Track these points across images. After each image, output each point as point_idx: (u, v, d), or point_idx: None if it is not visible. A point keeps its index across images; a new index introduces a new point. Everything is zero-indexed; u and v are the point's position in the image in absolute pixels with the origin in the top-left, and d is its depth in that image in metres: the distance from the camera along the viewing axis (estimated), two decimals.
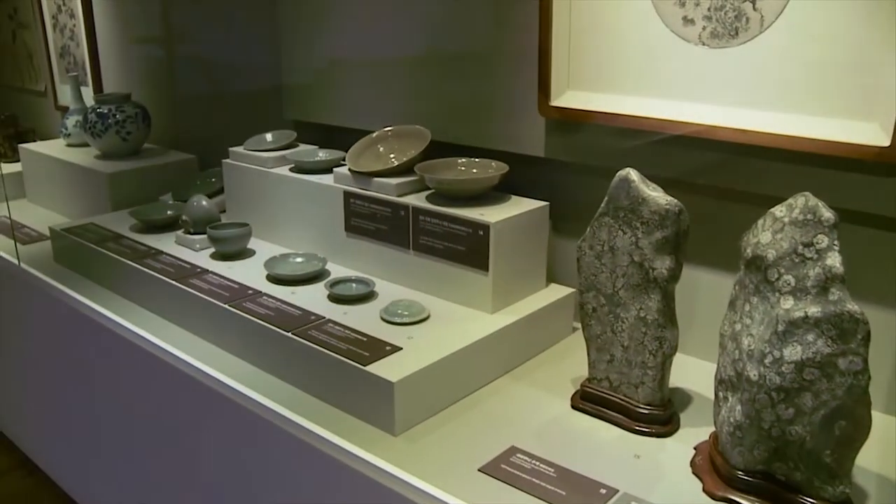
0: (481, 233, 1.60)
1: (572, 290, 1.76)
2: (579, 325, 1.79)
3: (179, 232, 2.05)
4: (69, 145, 2.83)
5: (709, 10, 1.46)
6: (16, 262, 2.22)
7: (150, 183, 2.49)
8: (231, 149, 2.11)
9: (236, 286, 1.77)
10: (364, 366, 1.42)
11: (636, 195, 1.36)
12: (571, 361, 1.65)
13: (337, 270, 1.84)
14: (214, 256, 1.96)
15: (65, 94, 3.25)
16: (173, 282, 1.80)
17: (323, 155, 2.02)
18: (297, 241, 1.97)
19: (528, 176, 1.78)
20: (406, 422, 1.41)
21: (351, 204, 1.82)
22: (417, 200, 1.72)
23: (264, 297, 1.70)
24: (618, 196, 1.39)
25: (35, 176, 2.85)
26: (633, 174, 1.37)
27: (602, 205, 1.41)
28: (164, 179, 2.51)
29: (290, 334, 1.54)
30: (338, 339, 1.51)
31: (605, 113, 1.60)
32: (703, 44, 1.48)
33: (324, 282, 1.76)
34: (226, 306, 1.66)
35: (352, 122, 2.09)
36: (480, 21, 1.78)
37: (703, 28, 1.47)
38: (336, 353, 1.46)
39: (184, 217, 2.01)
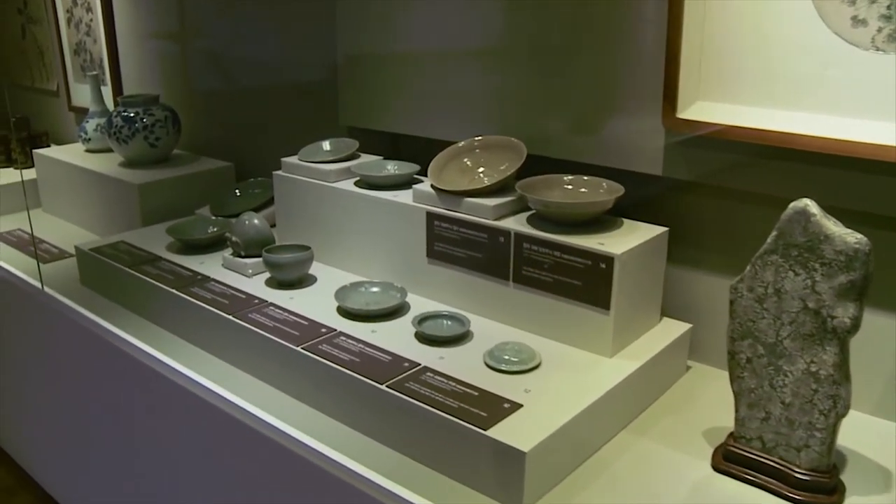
0: (603, 266, 1.33)
1: (688, 325, 1.50)
2: (693, 364, 1.55)
3: (226, 254, 1.77)
4: (89, 151, 2.53)
5: (889, 7, 1.19)
6: (39, 285, 1.92)
7: (183, 194, 2.20)
8: (284, 159, 1.82)
9: (305, 322, 1.49)
10: (484, 430, 1.15)
11: (816, 231, 1.11)
12: (695, 409, 1.40)
13: (417, 303, 1.57)
14: (270, 284, 1.67)
15: (81, 95, 2.94)
16: (230, 317, 1.51)
17: (393, 168, 1.74)
18: (366, 267, 1.69)
19: (637, 196, 1.51)
20: (534, 494, 1.15)
21: (435, 227, 1.54)
22: (518, 225, 1.45)
23: (342, 338, 1.42)
24: (791, 231, 1.13)
25: (51, 184, 2.54)
26: (813, 206, 1.12)
27: (769, 241, 1.15)
28: (199, 190, 2.22)
29: (384, 387, 1.26)
30: (443, 394, 1.24)
31: (747, 128, 1.33)
32: (878, 49, 1.21)
33: (410, 318, 1.49)
34: (299, 349, 1.38)
35: (421, 129, 1.81)
36: (591, 12, 1.50)
37: (879, 30, 1.21)
38: (446, 413, 1.19)
39: (233, 238, 1.72)
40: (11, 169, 2.79)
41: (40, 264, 2.10)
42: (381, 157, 1.82)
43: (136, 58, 2.70)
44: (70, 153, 2.52)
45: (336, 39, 1.92)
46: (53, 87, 3.15)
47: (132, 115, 2.23)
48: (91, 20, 2.77)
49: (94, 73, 2.51)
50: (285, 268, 1.63)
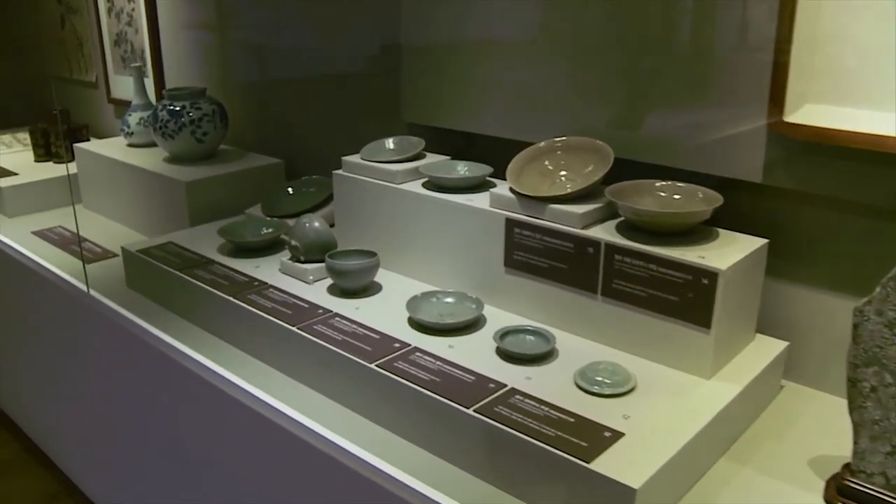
0: (705, 281, 1.22)
1: (785, 343, 1.39)
2: (787, 384, 1.44)
3: (284, 258, 1.67)
4: (131, 145, 2.44)
5: None
6: (84, 287, 1.83)
7: (232, 192, 2.10)
8: (345, 158, 1.72)
9: (376, 336, 1.38)
10: (587, 462, 1.04)
11: None
12: (795, 434, 1.30)
13: (493, 315, 1.46)
14: (333, 291, 1.57)
15: (120, 86, 2.86)
16: (294, 328, 1.41)
17: (464, 169, 1.63)
18: (435, 275, 1.58)
19: (730, 203, 1.39)
20: None
21: (515, 234, 1.43)
22: (608, 234, 1.33)
23: (417, 354, 1.32)
24: None
25: (92, 180, 2.46)
26: None
27: None
28: (248, 188, 2.12)
29: (471, 412, 1.15)
30: (537, 420, 1.13)
31: (862, 134, 1.21)
32: None
33: (488, 332, 1.38)
34: (373, 367, 1.28)
35: (491, 128, 1.70)
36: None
37: None
38: (543, 442, 1.08)
39: (292, 241, 1.62)
40: (52, 163, 2.71)
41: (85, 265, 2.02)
42: (448, 157, 1.71)
43: (178, 49, 2.61)
44: (112, 147, 2.44)
45: (400, 28, 1.81)
46: (92, 78, 3.06)
47: (178, 108, 2.13)
48: (133, 10, 2.68)
49: (138, 64, 2.42)
50: (351, 275, 1.53)
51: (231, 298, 1.54)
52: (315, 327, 1.41)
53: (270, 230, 1.81)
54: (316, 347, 1.37)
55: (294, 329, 1.41)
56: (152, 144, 2.40)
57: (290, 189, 2.02)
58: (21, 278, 2.10)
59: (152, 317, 1.69)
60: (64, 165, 2.68)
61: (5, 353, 2.45)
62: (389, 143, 1.74)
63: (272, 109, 2.36)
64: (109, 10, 2.81)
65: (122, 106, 2.90)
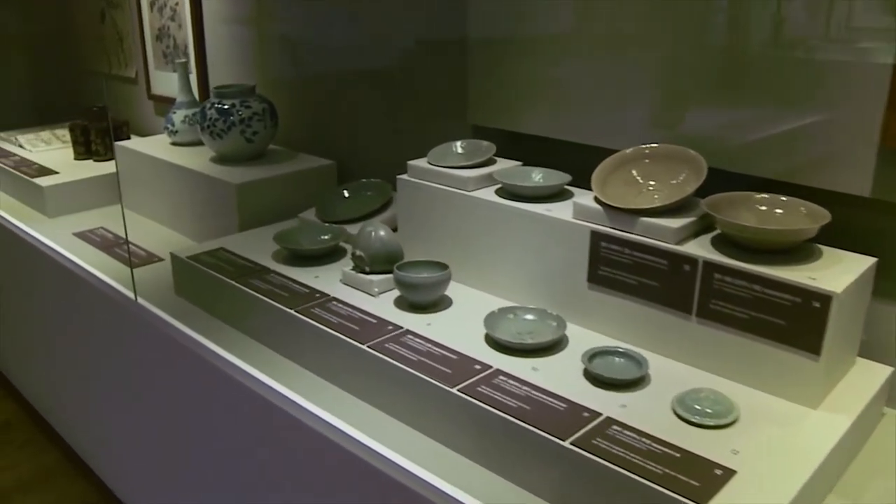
0: (816, 304, 1.13)
1: (890, 369, 1.29)
2: (889, 411, 1.34)
3: (346, 268, 1.59)
4: (175, 144, 2.37)
5: None
6: (131, 294, 1.77)
7: (283, 195, 2.03)
8: (411, 163, 1.64)
9: (454, 356, 1.30)
10: None
11: None
12: None
13: (575, 333, 1.37)
14: (400, 305, 1.49)
15: (161, 82, 2.79)
16: (365, 346, 1.33)
17: (539, 177, 1.54)
18: (510, 289, 1.50)
19: (834, 219, 1.30)
20: None
21: (601, 248, 1.34)
22: (705, 250, 1.24)
23: (501, 377, 1.24)
24: None
25: (134, 179, 2.39)
26: None
27: None
28: (300, 191, 2.04)
29: (568, 444, 1.07)
30: (640, 455, 1.04)
31: None
32: None
33: (572, 352, 1.30)
34: (455, 392, 1.20)
35: (569, 133, 1.61)
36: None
37: None
38: (650, 481, 0.99)
39: (357, 251, 1.54)
40: (92, 161, 2.65)
41: (128, 268, 1.95)
42: (518, 163, 1.63)
43: (223, 44, 2.54)
44: (155, 146, 2.37)
45: (465, 20, 1.72)
46: (132, 74, 3.00)
47: (227, 107, 2.06)
48: (177, 4, 2.61)
49: (183, 60, 2.35)
50: (422, 289, 1.44)
51: (293, 312, 1.46)
52: (387, 346, 1.33)
53: (329, 237, 1.74)
54: (389, 368, 1.29)
55: (364, 348, 1.33)
56: (197, 143, 2.33)
57: (345, 192, 1.94)
58: (64, 282, 2.04)
59: (203, 327, 1.62)
60: (104, 164, 2.62)
61: (47, 358, 2.40)
62: (458, 147, 1.66)
63: (322, 108, 2.28)
64: (152, 5, 2.74)
65: (163, 102, 2.83)
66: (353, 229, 1.78)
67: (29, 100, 3.43)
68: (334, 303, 1.50)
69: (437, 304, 1.48)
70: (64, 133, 2.91)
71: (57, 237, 2.20)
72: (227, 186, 1.96)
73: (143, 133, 2.93)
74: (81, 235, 2.24)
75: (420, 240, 1.62)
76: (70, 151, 2.73)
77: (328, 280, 1.61)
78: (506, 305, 1.44)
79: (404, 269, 1.48)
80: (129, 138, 2.70)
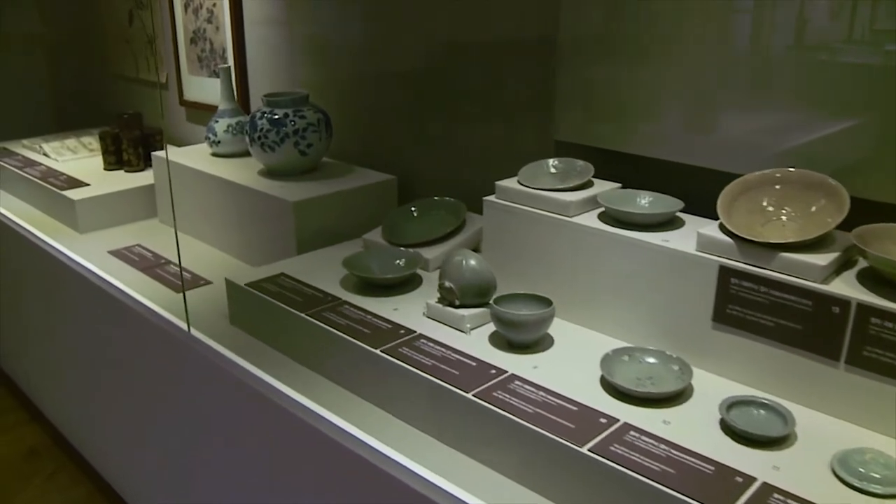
0: None
1: None
2: None
3: (432, 301, 1.42)
4: (216, 155, 2.20)
5: None
6: (183, 325, 1.60)
7: (342, 213, 1.86)
8: (500, 183, 1.47)
9: (573, 407, 1.14)
10: None
11: None
12: None
13: (699, 379, 1.21)
14: (497, 343, 1.33)
15: (195, 88, 2.63)
16: (471, 395, 1.17)
17: (646, 202, 1.38)
18: (619, 326, 1.34)
19: None
20: None
21: (731, 285, 1.18)
22: (856, 290, 1.08)
23: (632, 434, 1.07)
24: None
25: (168, 192, 2.22)
26: None
27: None
28: (359, 209, 1.88)
29: None
30: None
31: None
32: None
33: (701, 401, 1.14)
34: (586, 452, 1.03)
35: (674, 153, 1.45)
36: None
37: None
38: None
39: (446, 283, 1.37)
40: (123, 172, 2.48)
41: (170, 292, 1.79)
42: (617, 185, 1.46)
43: (264, 48, 2.37)
44: (195, 157, 2.20)
45: (558, 21, 1.55)
46: (162, 78, 2.83)
47: (279, 117, 1.89)
48: (214, 5, 2.45)
49: (227, 65, 2.18)
50: (525, 327, 1.28)
51: (378, 352, 1.30)
52: (495, 394, 1.17)
53: (404, 262, 1.57)
54: (500, 421, 1.12)
55: (469, 396, 1.16)
56: (241, 154, 2.17)
57: (413, 210, 1.77)
58: (103, 306, 1.87)
59: (266, 362, 1.46)
60: (136, 175, 2.45)
61: (79, 384, 2.23)
62: (550, 166, 1.49)
63: (378, 117, 2.11)
64: (186, 6, 2.57)
65: (196, 109, 2.67)
66: (428, 253, 1.62)
67: (50, 105, 3.27)
68: (423, 341, 1.33)
69: (539, 342, 1.32)
70: (91, 141, 2.74)
71: (91, 256, 2.04)
72: (282, 204, 1.79)
73: (175, 141, 2.76)
74: (117, 254, 2.07)
75: (511, 269, 1.45)
76: (98, 161, 2.56)
77: (409, 313, 1.44)
78: (617, 345, 1.28)
79: (501, 304, 1.32)
80: (162, 148, 2.53)
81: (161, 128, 2.57)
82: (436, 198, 1.77)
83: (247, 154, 2.18)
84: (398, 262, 1.58)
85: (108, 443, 2.19)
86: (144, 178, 2.40)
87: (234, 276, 1.64)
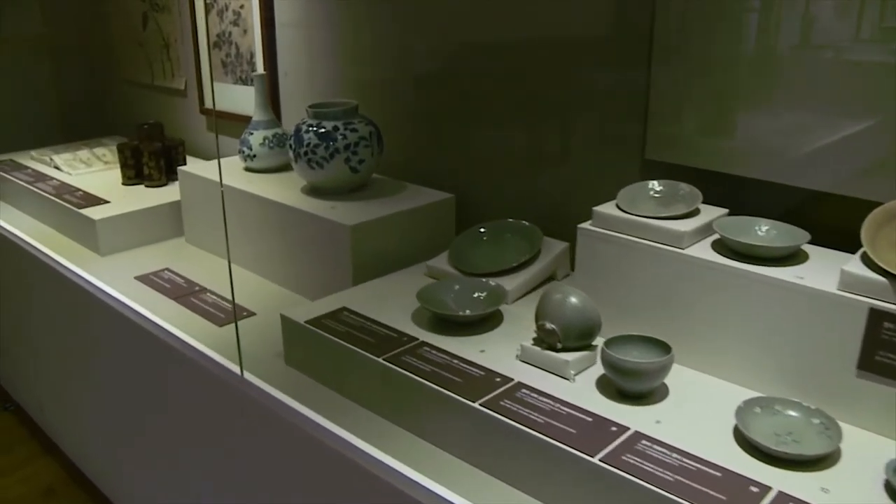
0: None
1: None
2: None
3: (528, 343, 1.28)
4: (249, 169, 2.05)
5: None
6: (237, 370, 1.45)
7: (400, 237, 1.72)
8: (598, 209, 1.33)
9: (717, 473, 1.00)
10: None
11: None
12: None
13: (845, 433, 1.08)
14: (606, 391, 1.19)
15: (218, 95, 2.46)
16: (597, 460, 1.03)
17: (768, 231, 1.24)
18: (745, 373, 1.20)
19: None
20: None
21: (883, 330, 1.05)
22: None
23: None
24: None
25: (200, 210, 2.07)
26: None
27: None
28: (416, 231, 1.74)
29: None
30: None
31: None
32: None
33: (854, 461, 1.01)
34: None
35: (800, 177, 1.31)
36: None
37: None
38: None
39: (547, 324, 1.23)
40: (143, 187, 2.32)
41: (209, 323, 1.64)
42: (724, 211, 1.33)
43: (299, 52, 2.21)
44: (226, 172, 2.04)
45: (654, 18, 1.41)
46: (180, 85, 2.67)
47: (328, 130, 1.74)
48: (241, 6, 2.29)
49: (262, 72, 2.03)
50: (644, 376, 1.14)
51: (479, 406, 1.15)
52: (625, 458, 1.03)
53: (485, 295, 1.43)
54: (639, 492, 0.98)
55: (597, 461, 1.02)
56: (277, 169, 2.02)
57: (482, 233, 1.63)
58: (135, 341, 1.72)
59: (334, 411, 1.31)
60: (158, 190, 2.29)
61: (102, 419, 2.07)
62: (653, 188, 1.35)
63: (427, 126, 1.96)
64: (209, 8, 2.42)
65: (218, 118, 2.51)
66: (505, 284, 1.48)
67: (56, 113, 3.10)
68: (524, 391, 1.19)
69: (655, 391, 1.18)
70: (105, 153, 2.58)
71: (116, 282, 1.88)
72: (337, 228, 1.64)
73: (194, 152, 2.60)
74: (145, 280, 1.91)
75: (611, 307, 1.31)
76: (114, 174, 2.40)
77: (497, 355, 1.30)
78: (745, 395, 1.14)
79: (613, 348, 1.18)
80: (184, 161, 2.37)
81: (182, 139, 2.41)
82: (508, 220, 1.63)
83: (283, 169, 2.04)
84: (477, 295, 1.43)
85: (134, 484, 2.03)
86: (168, 193, 2.24)
87: (290, 311, 1.49)
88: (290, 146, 1.79)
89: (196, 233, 2.12)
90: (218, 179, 1.98)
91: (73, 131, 2.92)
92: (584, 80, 1.61)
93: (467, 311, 1.39)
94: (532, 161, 1.74)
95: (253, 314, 1.71)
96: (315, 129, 1.76)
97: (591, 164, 1.62)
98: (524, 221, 1.61)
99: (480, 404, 1.16)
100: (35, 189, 2.32)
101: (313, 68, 2.18)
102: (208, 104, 2.54)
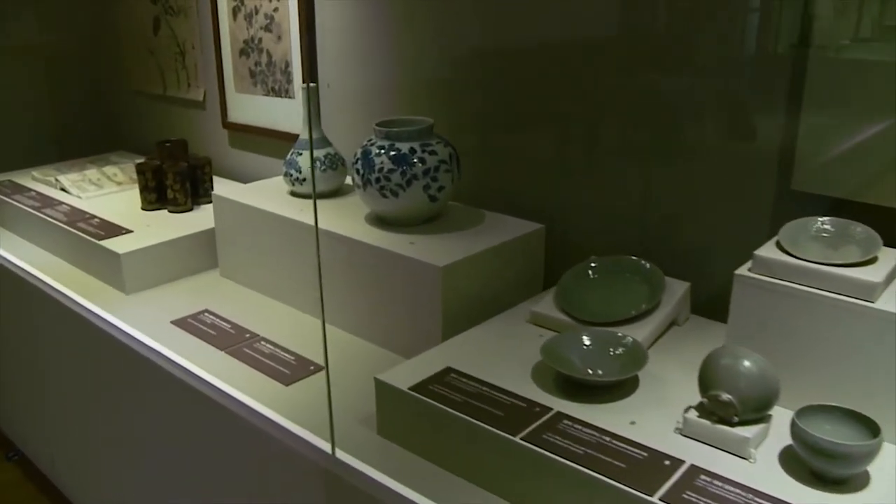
0: None
1: None
2: None
3: (692, 416, 1.10)
4: (295, 194, 1.84)
5: None
6: (326, 445, 1.25)
7: (490, 275, 1.53)
8: (760, 253, 1.16)
9: None
10: None
11: None
12: None
13: None
14: (797, 473, 1.01)
15: (244, 108, 2.26)
16: None
17: None
18: None
19: None
20: None
21: None
22: None
23: None
24: None
25: (237, 240, 1.86)
26: None
27: None
28: (506, 268, 1.56)
29: None
30: None
31: None
32: None
33: None
34: None
35: None
36: None
37: None
38: None
39: (721, 395, 1.05)
40: (166, 212, 2.09)
41: (262, 376, 1.44)
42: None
43: (344, 60, 2.01)
44: (270, 197, 1.84)
45: (811, 18, 1.24)
46: (198, 96, 2.45)
47: (404, 152, 1.55)
48: (275, 9, 2.08)
49: (313, 84, 1.82)
50: (852, 460, 0.97)
51: (657, 501, 0.97)
52: None
53: (619, 352, 1.24)
54: None
55: None
56: (329, 194, 1.82)
57: (591, 272, 1.45)
58: (182, 400, 1.51)
59: (450, 494, 1.12)
60: (183, 216, 2.07)
61: (127, 481, 1.84)
62: (819, 229, 1.18)
63: (502, 142, 1.77)
64: (235, 11, 2.20)
65: (243, 133, 2.30)
66: (632, 334, 1.30)
67: (52, 126, 2.84)
68: (703, 477, 1.01)
69: (854, 477, 1.01)
70: (116, 172, 2.35)
71: (151, 327, 1.66)
72: (424, 270, 1.44)
73: (215, 170, 2.37)
74: (184, 324, 1.70)
75: (780, 369, 1.13)
76: (129, 196, 2.19)
77: (651, 428, 1.12)
78: None
79: (805, 420, 1.00)
80: (211, 182, 2.15)
81: (209, 157, 2.19)
82: (630, 258, 1.44)
83: (335, 193, 1.84)
84: (612, 351, 1.25)
85: None
86: (196, 220, 2.03)
87: (389, 377, 1.28)
88: (357, 171, 1.59)
89: (232, 265, 1.91)
90: (265, 208, 1.77)
91: (73, 147, 2.68)
92: (705, 89, 1.44)
93: (600, 372, 1.21)
94: (630, 181, 1.56)
95: (320, 368, 1.50)
96: (387, 151, 1.56)
97: (710, 190, 1.45)
98: (643, 260, 1.43)
99: (660, 498, 0.97)
100: (43, 215, 2.08)
101: (361, 78, 1.98)
102: (233, 117, 2.32)
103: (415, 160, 1.54)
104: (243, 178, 2.34)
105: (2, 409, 2.45)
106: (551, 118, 1.67)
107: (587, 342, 1.28)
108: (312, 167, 1.78)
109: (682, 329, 1.43)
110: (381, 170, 1.55)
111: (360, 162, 1.59)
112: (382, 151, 1.56)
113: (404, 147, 1.56)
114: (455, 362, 1.31)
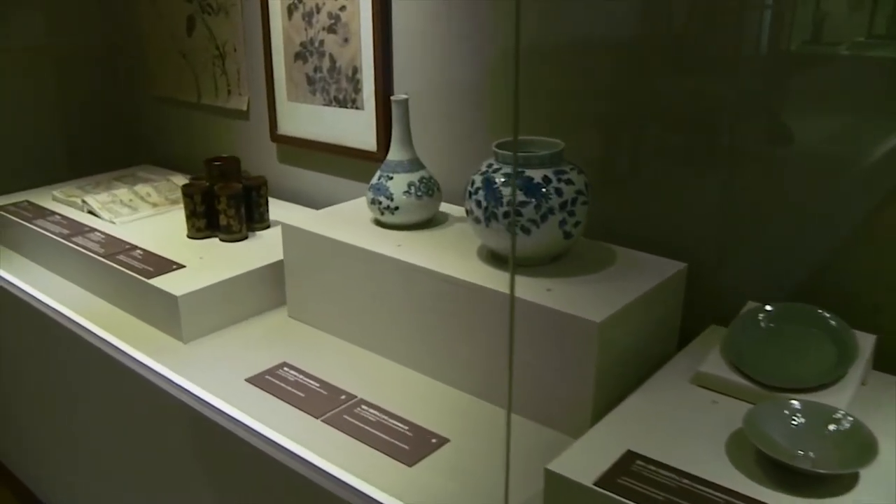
0: None
1: None
2: None
3: None
4: (381, 223, 1.62)
5: None
6: None
7: (637, 326, 1.32)
8: None
9: None
10: None
11: None
12: None
13: None
14: None
15: (298, 119, 2.02)
16: None
17: None
18: None
19: None
20: None
21: None
22: None
23: None
24: None
25: (310, 276, 1.63)
26: None
27: None
28: (650, 314, 1.35)
29: None
30: None
31: None
32: None
33: None
34: None
35: None
36: None
37: None
38: None
39: None
40: (217, 240, 1.85)
41: (397, 462, 1.21)
42: None
43: (424, 67, 1.78)
44: (351, 226, 1.61)
45: None
46: (241, 105, 2.21)
47: (538, 181, 1.33)
48: (342, 8, 1.85)
49: (404, 96, 1.59)
50: None
51: None
52: None
53: (837, 430, 1.04)
54: None
55: None
56: (419, 224, 1.60)
57: (762, 323, 1.25)
58: (279, 484, 1.27)
59: None
60: (237, 245, 1.84)
61: None
62: None
63: (621, 165, 1.57)
64: (291, 9, 1.96)
65: (296, 147, 2.07)
66: (832, 401, 1.10)
67: (67, 138, 2.58)
68: None
69: None
70: (149, 192, 2.10)
71: (223, 388, 1.43)
72: (575, 324, 1.23)
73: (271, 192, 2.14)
74: (262, 383, 1.46)
75: None
76: (169, 220, 1.95)
77: None
78: None
79: None
80: (267, 206, 1.92)
81: (264, 178, 1.95)
82: (815, 311, 1.23)
83: (428, 224, 1.62)
84: (829, 429, 1.04)
85: None
86: (253, 251, 1.79)
87: (565, 469, 1.06)
88: (478, 202, 1.36)
89: (304, 305, 1.68)
90: (349, 241, 1.55)
91: (87, 160, 2.43)
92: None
93: (811, 455, 1.00)
94: (779, 221, 1.37)
95: (444, 440, 1.28)
96: (517, 180, 1.34)
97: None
98: (826, 313, 1.23)
99: None
100: (74, 245, 1.83)
101: (445, 88, 1.76)
102: (284, 129, 2.08)
103: (550, 190, 1.33)
104: (296, 199, 2.11)
105: (31, 476, 2.20)
106: (700, 138, 1.47)
107: (795, 416, 1.07)
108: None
109: (867, 389, 1.23)
110: (509, 202, 1.33)
111: (481, 192, 1.37)
112: (509, 180, 1.34)
113: (537, 175, 1.33)
114: (633, 444, 1.09)
